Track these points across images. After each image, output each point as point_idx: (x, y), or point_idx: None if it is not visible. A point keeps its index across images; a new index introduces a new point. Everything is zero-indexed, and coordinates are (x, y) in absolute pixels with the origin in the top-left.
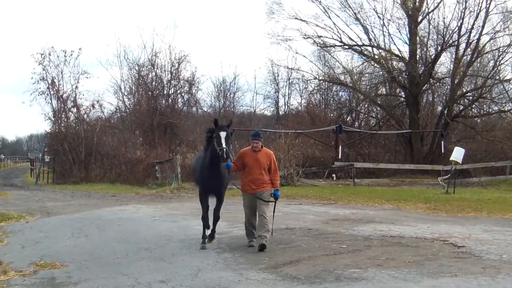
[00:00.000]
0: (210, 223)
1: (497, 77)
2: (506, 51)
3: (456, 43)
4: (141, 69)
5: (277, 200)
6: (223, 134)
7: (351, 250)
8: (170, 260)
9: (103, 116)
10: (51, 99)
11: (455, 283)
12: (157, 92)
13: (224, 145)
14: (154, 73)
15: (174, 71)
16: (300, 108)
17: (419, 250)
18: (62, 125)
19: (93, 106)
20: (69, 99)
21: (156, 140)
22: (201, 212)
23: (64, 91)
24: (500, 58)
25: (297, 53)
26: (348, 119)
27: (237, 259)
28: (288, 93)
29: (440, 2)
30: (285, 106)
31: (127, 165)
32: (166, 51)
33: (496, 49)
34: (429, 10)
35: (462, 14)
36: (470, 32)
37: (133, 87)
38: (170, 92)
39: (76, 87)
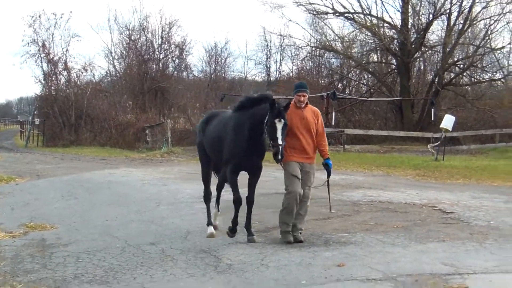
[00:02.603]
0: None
1: (488, 46)
2: (498, 19)
3: (448, 11)
4: (132, 33)
5: (330, 174)
6: (279, 125)
7: (340, 215)
8: (159, 223)
9: (94, 80)
10: (41, 62)
11: (442, 248)
12: (148, 56)
13: (280, 141)
14: (144, 38)
15: (165, 36)
16: (291, 74)
17: (407, 216)
18: (53, 88)
19: (84, 69)
20: (59, 62)
21: (147, 104)
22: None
23: (55, 54)
24: (492, 27)
25: (290, 20)
26: (339, 86)
27: (227, 222)
28: (280, 59)
29: None
30: (276, 72)
31: (117, 129)
32: (156, 15)
33: (488, 18)
34: None
35: None
36: (462, 0)
37: (124, 51)
38: (160, 57)
39: (67, 50)
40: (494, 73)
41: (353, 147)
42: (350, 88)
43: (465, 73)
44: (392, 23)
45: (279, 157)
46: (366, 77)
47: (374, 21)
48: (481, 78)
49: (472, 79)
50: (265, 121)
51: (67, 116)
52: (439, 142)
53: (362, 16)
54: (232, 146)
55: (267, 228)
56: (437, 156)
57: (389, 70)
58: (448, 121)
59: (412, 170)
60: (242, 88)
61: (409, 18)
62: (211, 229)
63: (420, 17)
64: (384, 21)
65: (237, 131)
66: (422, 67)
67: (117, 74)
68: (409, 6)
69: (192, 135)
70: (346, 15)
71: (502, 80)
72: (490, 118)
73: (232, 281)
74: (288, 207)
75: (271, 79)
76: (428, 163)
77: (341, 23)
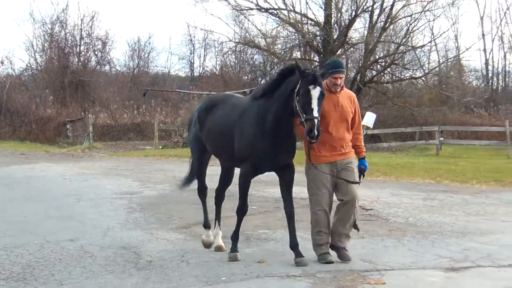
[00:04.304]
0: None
1: (409, 44)
2: (418, 18)
3: (370, 9)
4: (53, 26)
5: (364, 176)
6: (316, 92)
7: (262, 211)
8: (79, 219)
9: (14, 73)
10: None
11: (361, 245)
12: (68, 49)
13: (316, 113)
14: (65, 31)
15: (87, 29)
16: (215, 70)
17: None
18: None
19: (1, 62)
20: None
21: (68, 98)
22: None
23: None
24: (413, 25)
25: (212, 15)
26: (262, 82)
27: (148, 219)
28: (204, 55)
29: None
30: (200, 68)
31: (37, 123)
32: (75, 8)
33: (409, 16)
34: None
35: None
36: None
37: (45, 44)
38: (81, 50)
39: None
40: (415, 71)
41: None
42: None
43: (386, 71)
44: (315, 19)
45: (315, 132)
46: None
47: (298, 17)
48: (402, 76)
49: (393, 76)
50: (296, 91)
51: None
52: None
53: (286, 12)
54: (252, 140)
55: (188, 224)
56: None
57: (312, 67)
58: (369, 119)
59: None
60: (166, 83)
61: (332, 15)
62: (208, 235)
63: (343, 14)
64: (307, 17)
65: (260, 119)
66: (344, 65)
67: (38, 67)
68: (332, 3)
69: (114, 130)
70: (270, 11)
71: (422, 78)
72: (411, 116)
73: (151, 277)
74: (317, 225)
75: (195, 74)
76: None
77: (265, 19)
